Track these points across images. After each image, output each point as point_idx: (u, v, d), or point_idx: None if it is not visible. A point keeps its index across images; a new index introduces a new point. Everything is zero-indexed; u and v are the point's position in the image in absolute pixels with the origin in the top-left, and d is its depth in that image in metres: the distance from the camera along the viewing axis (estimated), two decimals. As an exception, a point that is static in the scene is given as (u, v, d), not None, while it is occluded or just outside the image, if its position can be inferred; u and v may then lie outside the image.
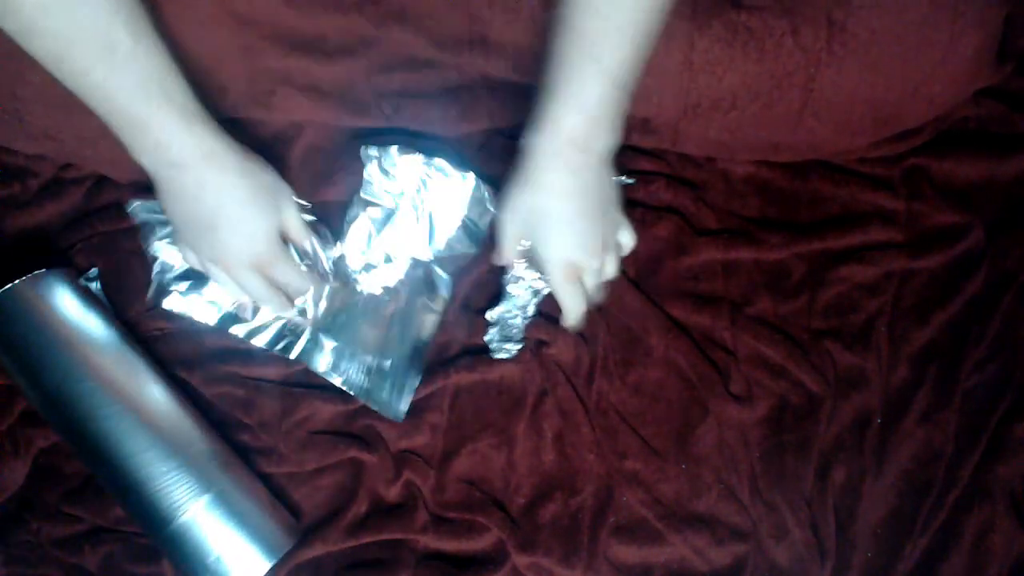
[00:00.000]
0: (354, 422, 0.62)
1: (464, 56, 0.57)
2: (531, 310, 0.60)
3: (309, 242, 0.55)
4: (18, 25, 0.41)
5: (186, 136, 0.45)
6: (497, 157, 0.63)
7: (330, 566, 0.60)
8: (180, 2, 0.51)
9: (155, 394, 0.57)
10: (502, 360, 0.61)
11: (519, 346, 0.61)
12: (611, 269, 0.54)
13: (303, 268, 0.56)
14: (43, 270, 0.58)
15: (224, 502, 0.55)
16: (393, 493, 0.61)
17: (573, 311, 0.54)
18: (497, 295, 0.61)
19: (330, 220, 0.64)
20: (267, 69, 0.56)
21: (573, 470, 0.60)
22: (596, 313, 0.62)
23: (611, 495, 0.60)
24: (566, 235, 0.49)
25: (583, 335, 0.62)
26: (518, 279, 0.59)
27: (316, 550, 0.60)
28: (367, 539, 0.60)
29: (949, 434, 0.58)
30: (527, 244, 0.53)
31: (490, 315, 0.60)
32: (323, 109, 0.59)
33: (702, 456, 0.60)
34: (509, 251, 0.54)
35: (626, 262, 0.63)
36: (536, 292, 0.60)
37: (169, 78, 0.44)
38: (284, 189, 0.53)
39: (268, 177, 0.52)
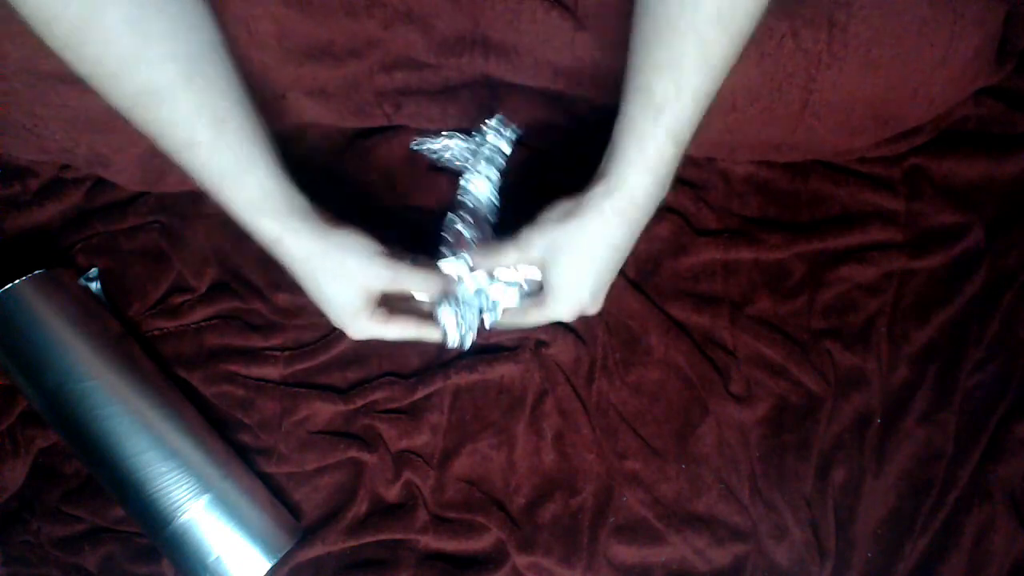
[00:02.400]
0: (354, 422, 0.62)
1: (465, 56, 0.57)
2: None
3: (414, 282, 0.52)
4: (120, 105, 0.44)
5: (257, 225, 0.47)
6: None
7: (330, 566, 0.60)
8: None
9: (155, 394, 0.57)
10: (502, 360, 0.61)
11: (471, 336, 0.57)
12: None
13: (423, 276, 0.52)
14: (43, 270, 0.58)
15: (224, 502, 0.55)
16: (393, 493, 0.61)
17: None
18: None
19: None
20: (279, 76, 0.56)
21: (573, 470, 0.60)
22: (603, 314, 0.62)
23: (611, 495, 0.60)
24: (596, 284, 0.49)
25: (583, 335, 0.62)
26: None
27: (316, 550, 0.60)
28: (367, 539, 0.60)
29: (949, 434, 0.58)
30: (531, 271, 0.52)
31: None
32: (328, 111, 0.60)
33: (702, 456, 0.60)
34: (511, 260, 0.52)
35: (626, 262, 0.63)
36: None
37: (244, 175, 0.45)
38: (363, 245, 0.50)
39: (341, 238, 0.49)
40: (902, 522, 0.58)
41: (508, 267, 0.52)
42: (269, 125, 0.61)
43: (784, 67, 0.54)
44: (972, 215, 0.61)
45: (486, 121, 0.57)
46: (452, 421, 0.62)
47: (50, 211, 0.65)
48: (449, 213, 0.56)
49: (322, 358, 0.63)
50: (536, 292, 0.53)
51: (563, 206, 0.48)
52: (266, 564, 0.55)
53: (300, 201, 0.48)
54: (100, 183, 0.66)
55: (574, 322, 0.62)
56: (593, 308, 0.51)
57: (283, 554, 0.57)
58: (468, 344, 0.54)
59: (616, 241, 0.47)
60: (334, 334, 0.63)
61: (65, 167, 0.65)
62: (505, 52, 0.57)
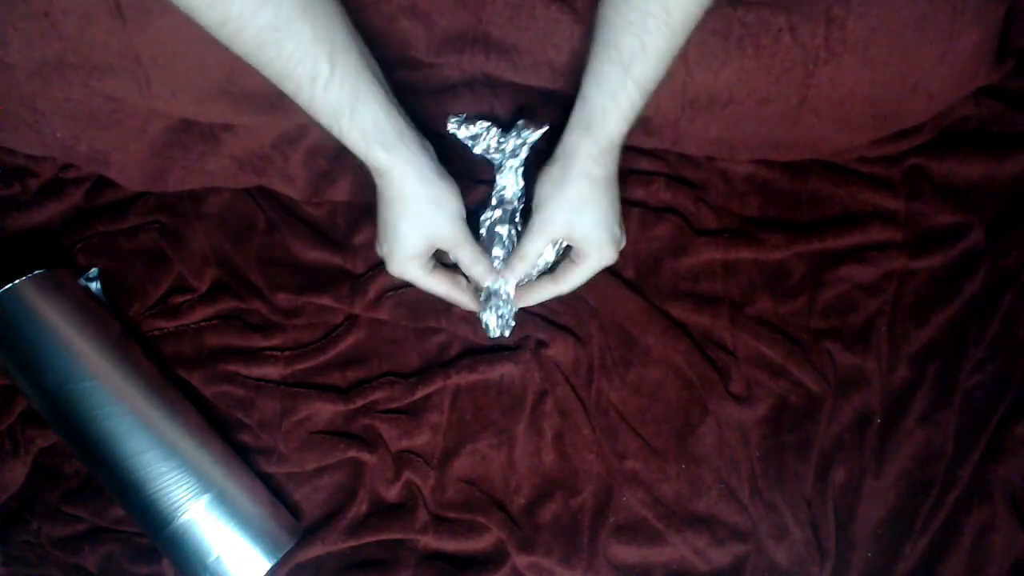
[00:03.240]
0: (354, 422, 0.62)
1: (466, 54, 0.57)
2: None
3: (466, 250, 0.55)
4: (245, 49, 0.46)
5: (369, 155, 0.49)
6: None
7: (330, 566, 0.60)
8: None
9: (155, 394, 0.57)
10: (502, 360, 0.61)
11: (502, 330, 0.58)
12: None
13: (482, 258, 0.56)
14: (43, 270, 0.58)
15: (224, 502, 0.55)
16: (393, 493, 0.61)
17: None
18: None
19: (337, 220, 0.64)
20: None
21: (573, 470, 0.60)
22: (596, 313, 0.62)
23: (611, 495, 0.60)
24: (615, 216, 0.53)
25: (582, 336, 0.62)
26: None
27: (316, 550, 0.60)
28: (367, 539, 0.60)
29: (949, 434, 0.58)
30: (559, 241, 0.54)
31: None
32: None
33: (702, 456, 0.60)
34: (540, 246, 0.54)
35: (626, 262, 0.63)
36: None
37: (359, 104, 0.48)
38: (453, 204, 0.53)
39: (439, 191, 0.52)
40: (902, 522, 0.58)
41: (539, 260, 0.56)
42: (270, 126, 0.62)
43: (782, 63, 0.54)
44: (972, 215, 0.61)
45: (518, 122, 0.58)
46: (452, 421, 0.62)
47: (50, 211, 0.65)
48: (485, 212, 0.58)
49: (322, 358, 0.63)
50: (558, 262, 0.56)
51: (550, 174, 0.52)
52: (266, 564, 0.55)
53: (411, 136, 0.50)
54: (100, 183, 0.66)
55: (573, 322, 0.62)
56: (623, 240, 0.55)
57: (283, 554, 0.57)
58: (508, 335, 0.58)
59: (609, 174, 0.52)
60: (334, 334, 0.63)
61: (66, 167, 0.65)
62: (505, 50, 0.57)
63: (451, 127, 0.57)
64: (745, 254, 0.62)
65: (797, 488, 0.59)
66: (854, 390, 0.60)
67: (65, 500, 0.61)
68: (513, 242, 0.57)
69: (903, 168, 0.63)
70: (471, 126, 0.57)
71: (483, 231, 0.58)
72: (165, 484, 0.54)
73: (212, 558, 0.54)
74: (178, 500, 0.54)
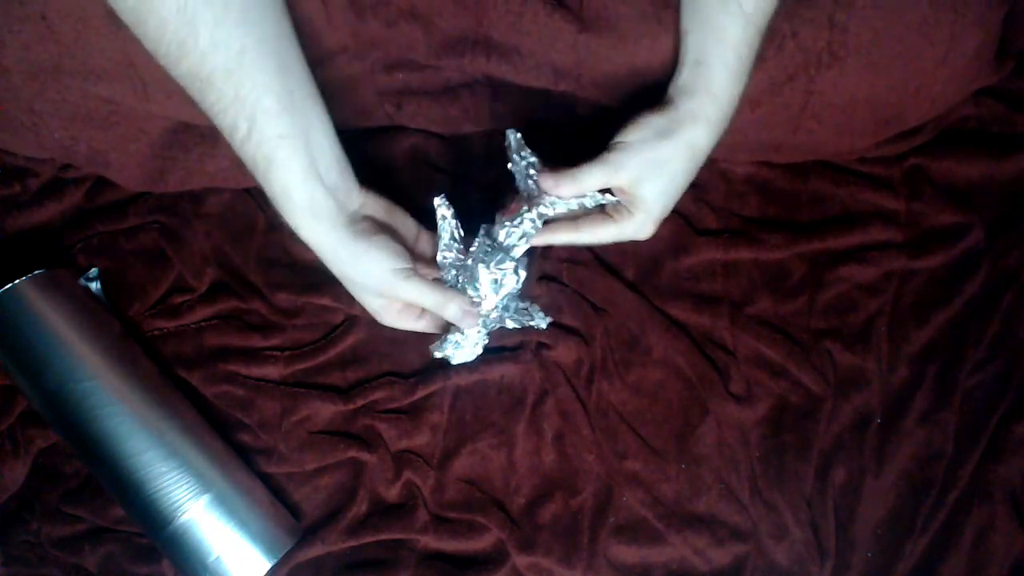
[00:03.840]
0: (354, 422, 0.62)
1: (467, 56, 0.57)
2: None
3: (429, 297, 0.52)
4: (178, 82, 0.46)
5: (286, 219, 0.49)
6: (500, 158, 0.63)
7: (330, 566, 0.60)
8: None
9: (155, 394, 0.57)
10: (502, 360, 0.61)
11: (467, 357, 0.58)
12: None
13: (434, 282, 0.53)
14: (43, 270, 0.58)
15: (224, 502, 0.55)
16: (393, 493, 0.61)
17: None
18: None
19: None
20: None
21: (573, 470, 0.60)
22: (596, 313, 0.62)
23: (611, 495, 0.60)
24: (678, 194, 0.52)
25: (583, 336, 0.62)
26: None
27: (316, 550, 0.60)
28: (367, 539, 0.60)
29: (949, 434, 0.58)
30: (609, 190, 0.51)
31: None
32: (330, 111, 0.60)
33: (702, 456, 0.60)
34: (597, 184, 0.50)
35: (626, 262, 0.63)
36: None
37: (271, 170, 0.47)
38: (388, 267, 0.50)
39: (369, 258, 0.50)
40: (902, 522, 0.58)
41: (587, 193, 0.51)
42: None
43: (784, 68, 0.54)
44: (972, 215, 0.61)
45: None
46: (452, 421, 0.62)
47: (50, 211, 0.65)
48: (510, 166, 0.53)
49: (322, 358, 0.63)
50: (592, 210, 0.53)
51: (654, 123, 0.49)
52: (266, 564, 0.55)
53: (325, 207, 0.48)
54: (100, 183, 0.66)
55: (578, 324, 0.62)
56: (664, 217, 0.53)
57: (283, 554, 0.57)
58: (458, 361, 0.57)
59: (704, 148, 0.50)
60: (334, 334, 0.63)
61: (65, 167, 0.65)
62: (507, 53, 0.57)
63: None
64: (745, 254, 0.62)
65: (797, 488, 0.59)
66: (854, 390, 0.60)
67: (65, 500, 0.61)
68: (500, 286, 0.53)
69: (903, 168, 0.63)
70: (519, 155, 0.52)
71: (471, 255, 0.53)
72: (165, 484, 0.54)
73: (212, 558, 0.54)
74: (178, 500, 0.54)
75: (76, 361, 0.56)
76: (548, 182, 0.50)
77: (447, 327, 0.57)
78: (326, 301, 0.63)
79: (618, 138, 0.50)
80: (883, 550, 0.58)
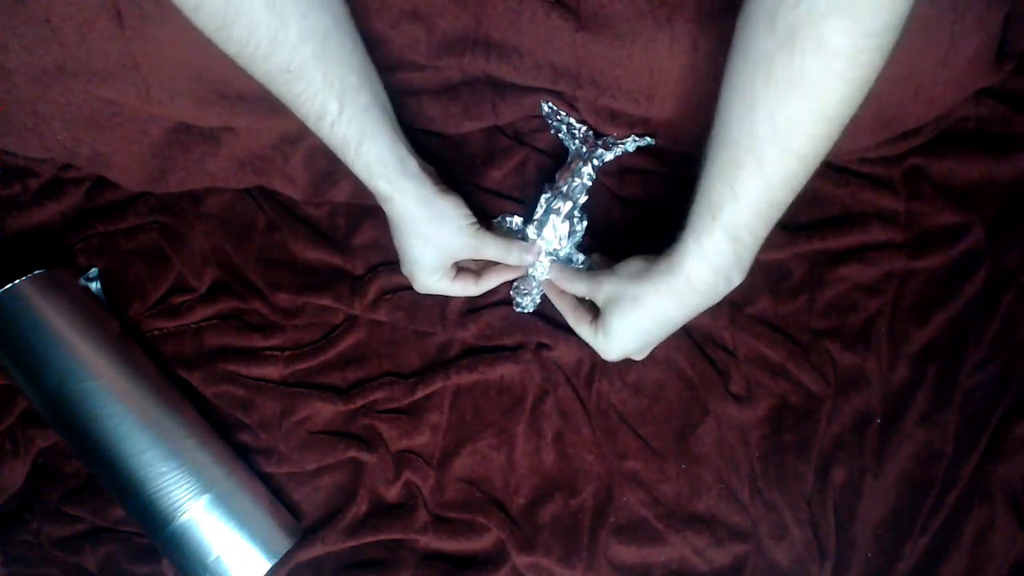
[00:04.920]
0: (354, 422, 0.62)
1: (467, 56, 0.57)
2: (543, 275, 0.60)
3: (496, 249, 0.56)
4: (261, 80, 0.48)
5: (373, 185, 0.52)
6: (501, 156, 0.63)
7: (330, 566, 0.60)
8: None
9: (155, 394, 0.57)
10: (502, 360, 0.61)
11: (532, 301, 0.61)
12: None
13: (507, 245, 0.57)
14: (43, 270, 0.58)
15: (224, 502, 0.55)
16: (393, 493, 0.61)
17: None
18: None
19: (337, 220, 0.64)
20: None
21: (573, 470, 0.60)
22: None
23: (611, 495, 0.60)
24: (644, 342, 0.54)
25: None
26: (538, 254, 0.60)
27: (316, 550, 0.60)
28: (367, 539, 0.60)
29: (949, 434, 0.58)
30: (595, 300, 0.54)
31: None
32: None
33: (702, 456, 0.60)
34: (570, 306, 0.57)
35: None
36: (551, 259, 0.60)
37: (365, 141, 0.50)
38: (456, 218, 0.54)
39: (439, 209, 0.53)
40: (902, 522, 0.58)
41: (575, 287, 0.56)
42: (271, 128, 0.62)
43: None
44: (972, 215, 0.61)
45: (615, 141, 0.61)
46: (452, 421, 0.62)
47: (50, 211, 0.65)
48: (547, 194, 0.60)
49: (322, 358, 0.63)
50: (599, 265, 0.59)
51: (636, 265, 0.52)
52: (266, 564, 0.55)
53: (412, 166, 0.52)
54: (100, 183, 0.66)
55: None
56: (638, 356, 0.56)
57: (283, 554, 0.57)
58: (530, 309, 0.61)
59: (670, 315, 0.51)
60: (334, 334, 0.63)
61: (65, 167, 0.65)
62: (507, 52, 0.57)
63: (544, 106, 0.61)
64: (745, 254, 0.62)
65: (797, 488, 0.59)
66: (854, 390, 0.60)
67: (65, 500, 0.61)
68: (567, 233, 0.59)
69: (903, 168, 0.63)
70: (564, 119, 0.61)
71: (539, 211, 0.60)
72: (165, 484, 0.54)
73: (212, 558, 0.54)
74: (178, 500, 0.54)
75: (76, 361, 0.56)
76: (553, 269, 0.58)
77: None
78: (326, 301, 0.63)
79: (618, 263, 0.53)
80: (883, 550, 0.58)
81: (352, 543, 0.60)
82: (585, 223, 0.60)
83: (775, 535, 0.58)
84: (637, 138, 0.61)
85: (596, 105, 0.60)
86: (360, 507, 0.61)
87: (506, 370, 0.61)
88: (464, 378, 0.61)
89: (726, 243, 0.46)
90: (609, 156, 0.60)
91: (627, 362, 0.61)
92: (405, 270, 0.56)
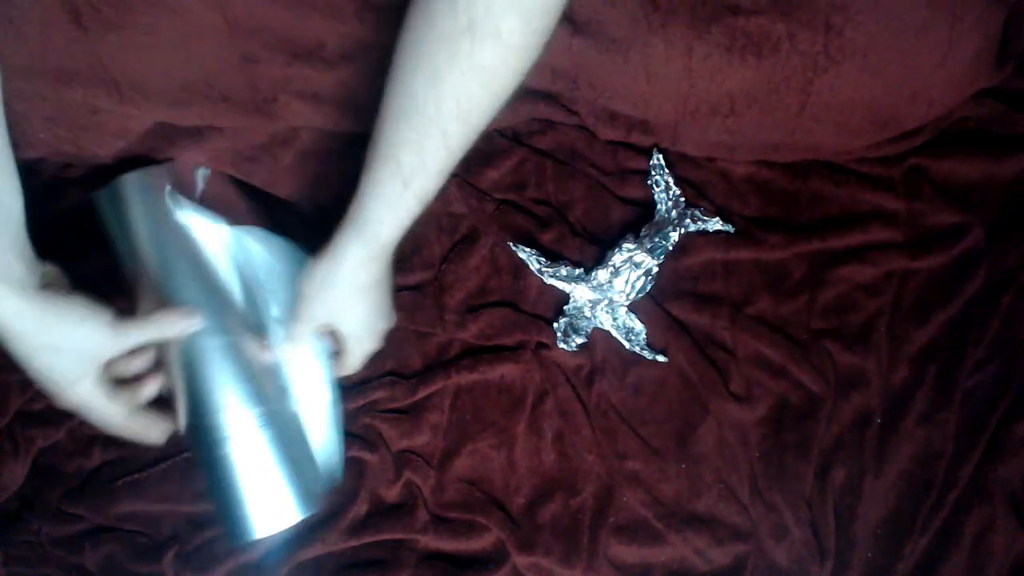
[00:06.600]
0: (354, 422, 0.62)
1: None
2: (597, 308, 0.61)
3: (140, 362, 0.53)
4: None
5: None
6: (498, 156, 0.63)
7: (330, 566, 0.60)
8: (179, 13, 0.51)
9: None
10: (503, 360, 0.61)
11: (583, 340, 0.61)
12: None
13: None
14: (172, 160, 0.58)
15: (282, 439, 0.53)
16: (393, 493, 0.61)
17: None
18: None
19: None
20: (268, 77, 0.56)
21: (573, 470, 0.60)
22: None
23: (611, 495, 0.60)
24: (380, 319, 0.55)
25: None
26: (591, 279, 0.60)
27: (316, 550, 0.60)
28: (367, 539, 0.60)
29: (949, 434, 0.58)
30: (324, 326, 0.54)
31: (565, 307, 0.61)
32: (322, 115, 0.59)
33: (702, 456, 0.60)
34: (305, 334, 0.55)
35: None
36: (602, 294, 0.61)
37: None
38: (96, 323, 0.50)
39: (75, 316, 0.50)
40: (902, 522, 0.58)
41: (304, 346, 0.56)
42: (259, 128, 0.61)
43: (781, 70, 0.54)
44: (972, 215, 0.61)
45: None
46: (452, 421, 0.62)
47: (50, 211, 0.65)
48: (649, 183, 0.62)
49: (322, 358, 0.63)
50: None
51: (319, 273, 0.51)
52: (297, 515, 0.52)
53: (18, 270, 0.48)
54: (100, 184, 0.66)
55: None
56: (391, 323, 0.57)
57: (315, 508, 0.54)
58: (575, 346, 0.61)
59: (378, 277, 0.52)
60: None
61: (65, 167, 0.65)
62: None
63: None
64: (745, 254, 0.62)
65: (797, 488, 0.59)
66: (854, 390, 0.60)
67: (65, 500, 0.61)
68: (640, 288, 0.60)
69: (903, 168, 0.63)
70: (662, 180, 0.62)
71: (617, 257, 0.60)
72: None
73: (247, 497, 0.51)
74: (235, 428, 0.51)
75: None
76: (286, 344, 0.56)
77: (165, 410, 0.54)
78: (326, 301, 0.63)
79: (298, 289, 0.53)
80: (883, 550, 0.58)
81: (352, 543, 0.60)
82: (649, 288, 0.61)
83: (775, 535, 0.58)
84: (721, 223, 0.61)
85: (595, 106, 0.60)
86: (360, 507, 0.61)
87: (506, 370, 0.61)
88: (464, 378, 0.61)
89: (416, 205, 0.49)
90: (692, 228, 0.61)
91: (627, 362, 0.61)
92: (45, 388, 0.50)
